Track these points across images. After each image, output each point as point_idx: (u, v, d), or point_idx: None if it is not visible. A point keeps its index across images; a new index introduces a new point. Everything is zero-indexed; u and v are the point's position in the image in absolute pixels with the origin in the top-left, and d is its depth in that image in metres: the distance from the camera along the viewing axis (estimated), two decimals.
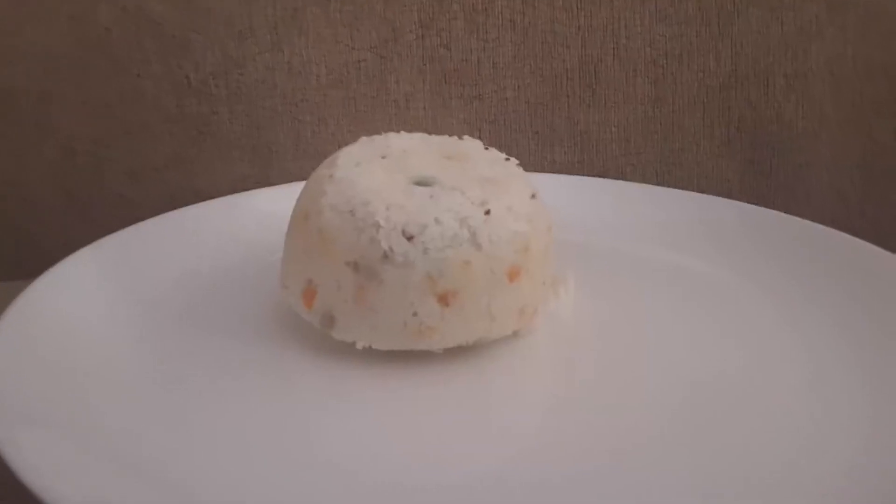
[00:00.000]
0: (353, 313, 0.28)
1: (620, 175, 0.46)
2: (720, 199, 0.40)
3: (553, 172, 0.44)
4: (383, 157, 0.30)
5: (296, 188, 0.42)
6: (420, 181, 0.30)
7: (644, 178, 0.46)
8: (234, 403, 0.27)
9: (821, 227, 0.36)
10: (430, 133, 0.35)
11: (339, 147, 0.46)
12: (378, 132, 0.47)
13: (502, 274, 0.28)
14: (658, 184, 0.45)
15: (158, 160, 0.44)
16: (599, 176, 0.46)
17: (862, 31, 0.45)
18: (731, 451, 0.26)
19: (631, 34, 0.45)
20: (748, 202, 0.41)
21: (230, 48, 0.44)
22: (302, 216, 0.30)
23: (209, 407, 0.27)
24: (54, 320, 0.29)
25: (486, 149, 0.33)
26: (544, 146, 0.46)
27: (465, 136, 0.34)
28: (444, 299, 0.28)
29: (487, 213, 0.28)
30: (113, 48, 0.43)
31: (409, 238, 0.27)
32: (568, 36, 0.45)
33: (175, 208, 0.41)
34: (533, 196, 0.31)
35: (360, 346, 0.28)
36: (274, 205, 0.40)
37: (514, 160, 0.32)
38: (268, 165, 0.45)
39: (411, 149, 0.31)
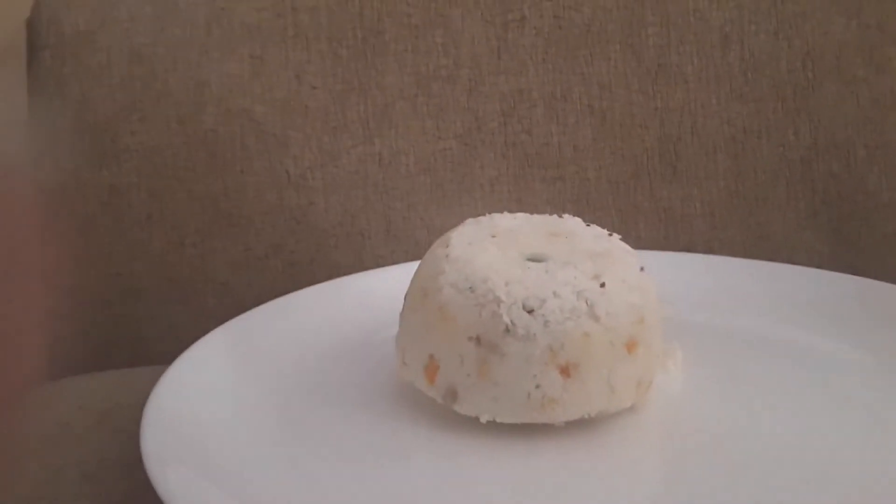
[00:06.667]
0: (475, 387, 0.29)
1: (708, 250, 0.47)
2: (815, 270, 0.41)
3: (640, 249, 0.45)
4: (493, 236, 0.32)
5: (392, 272, 0.44)
6: (532, 257, 0.31)
7: (732, 252, 0.46)
8: (363, 473, 0.28)
9: None
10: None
11: (429, 232, 0.48)
12: (465, 216, 0.49)
13: (621, 346, 0.29)
14: (746, 257, 0.45)
15: (260, 250, 0.46)
16: (686, 251, 0.46)
17: None
18: None
19: (708, 113, 0.47)
20: (839, 272, 0.41)
21: (325, 143, 0.46)
22: (420, 294, 0.31)
23: (340, 480, 0.28)
24: (195, 391, 0.31)
25: (588, 225, 0.34)
26: (628, 223, 0.47)
27: (565, 214, 0.35)
28: (565, 371, 0.28)
29: (602, 285, 0.29)
30: (217, 147, 0.46)
31: (530, 311, 0.28)
32: (646, 117, 0.47)
33: (275, 295, 0.42)
34: (641, 269, 0.31)
35: (484, 419, 0.29)
36: (374, 287, 0.41)
37: (616, 235, 0.33)
38: (361, 251, 0.47)
39: (517, 227, 0.33)
